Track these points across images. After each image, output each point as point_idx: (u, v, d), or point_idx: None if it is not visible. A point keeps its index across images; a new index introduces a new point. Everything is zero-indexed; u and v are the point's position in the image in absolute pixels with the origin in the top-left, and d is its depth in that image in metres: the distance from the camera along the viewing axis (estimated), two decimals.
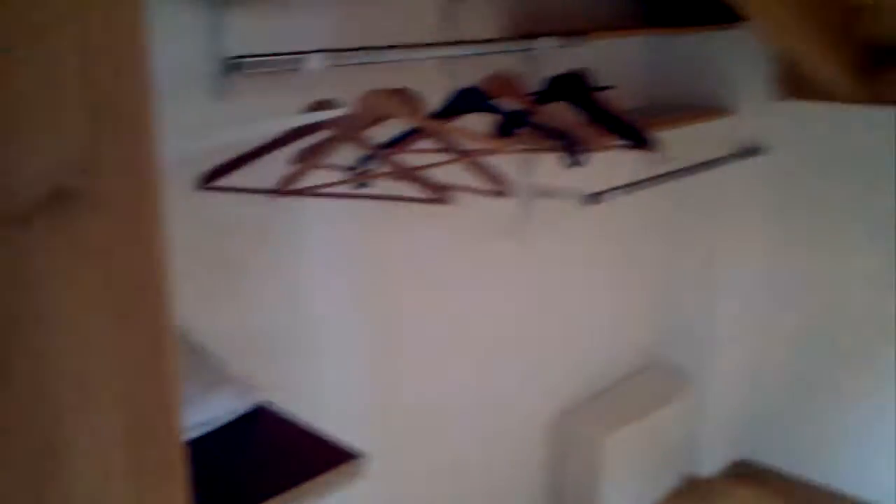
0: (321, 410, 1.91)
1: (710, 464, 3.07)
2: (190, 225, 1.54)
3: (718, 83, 2.69)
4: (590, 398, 2.82)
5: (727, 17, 2.48)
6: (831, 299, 2.83)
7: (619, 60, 2.55)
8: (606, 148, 1.76)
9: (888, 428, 2.77)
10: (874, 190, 2.65)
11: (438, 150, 1.59)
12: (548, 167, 2.25)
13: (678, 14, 2.51)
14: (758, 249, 2.91)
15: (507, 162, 2.16)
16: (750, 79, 2.69)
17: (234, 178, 1.49)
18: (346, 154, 1.55)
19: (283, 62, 1.43)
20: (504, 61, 1.92)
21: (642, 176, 2.36)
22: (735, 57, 2.67)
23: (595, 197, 2.08)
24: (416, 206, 1.48)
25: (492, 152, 1.47)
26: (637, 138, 1.88)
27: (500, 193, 1.53)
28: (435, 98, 1.68)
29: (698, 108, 2.66)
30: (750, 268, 2.94)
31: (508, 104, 1.74)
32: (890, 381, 2.74)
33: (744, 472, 3.10)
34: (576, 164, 1.65)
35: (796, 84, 2.67)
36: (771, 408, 3.06)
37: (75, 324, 0.65)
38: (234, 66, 1.42)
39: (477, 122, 1.73)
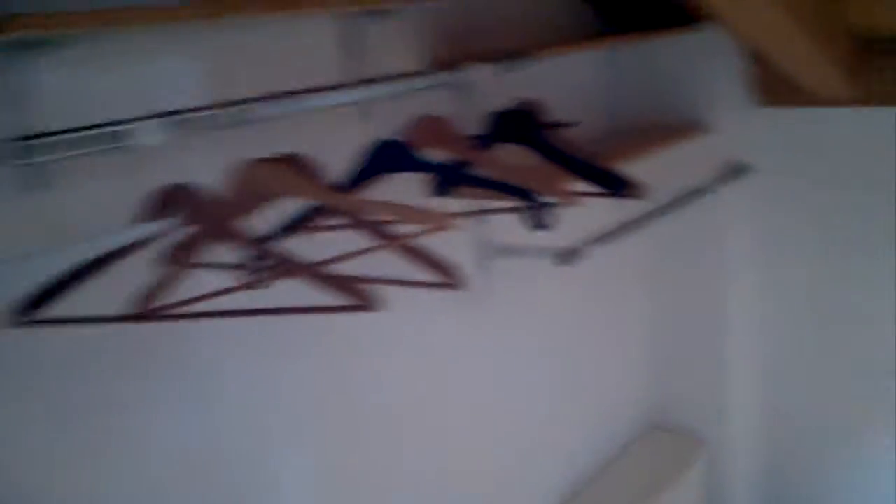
0: None
1: None
2: (10, 375, 1.07)
3: (688, 96, 2.30)
4: (592, 477, 2.44)
5: (688, 17, 2.11)
6: (851, 333, 2.47)
7: (571, 82, 2.15)
8: (575, 201, 1.34)
9: None
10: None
11: (352, 229, 1.16)
12: (507, 223, 1.84)
13: (633, 20, 2.12)
14: (762, 281, 2.54)
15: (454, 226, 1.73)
16: (724, 88, 2.31)
17: (69, 303, 1.03)
18: (226, 253, 1.10)
19: (104, 137, 0.98)
20: (430, 99, 1.49)
21: (620, 220, 1.94)
22: (704, 63, 2.28)
23: (568, 254, 1.66)
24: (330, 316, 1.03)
25: (429, 230, 1.04)
26: (612, 183, 1.48)
27: (446, 285, 1.09)
28: (343, 160, 1.25)
29: (669, 127, 2.26)
30: (755, 304, 2.56)
31: (441, 156, 1.32)
32: None
33: None
34: (541, 226, 1.24)
35: (777, 89, 2.32)
36: (796, 463, 2.67)
37: None
38: (39, 148, 0.96)
39: (403, 186, 1.31)
